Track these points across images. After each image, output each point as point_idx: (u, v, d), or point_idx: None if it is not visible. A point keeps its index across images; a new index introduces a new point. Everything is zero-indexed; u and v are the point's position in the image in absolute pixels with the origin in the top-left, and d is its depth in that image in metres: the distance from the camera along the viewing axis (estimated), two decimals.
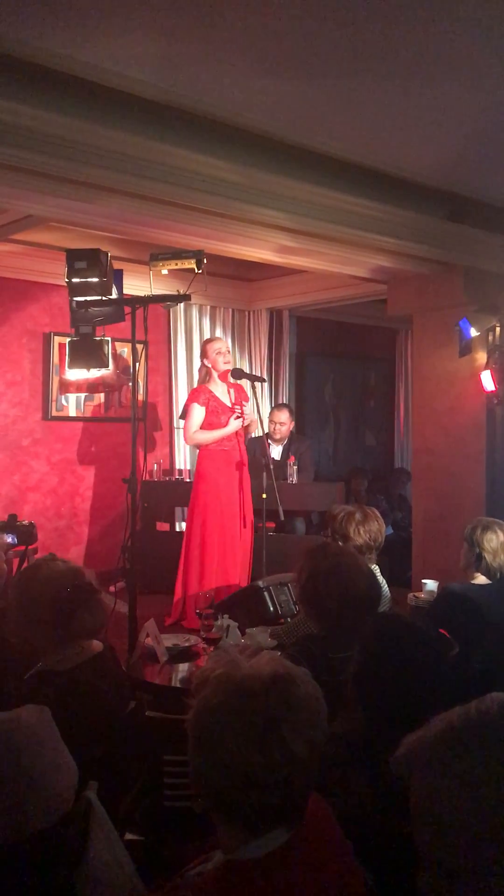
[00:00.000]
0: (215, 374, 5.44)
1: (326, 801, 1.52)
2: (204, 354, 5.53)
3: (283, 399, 7.85)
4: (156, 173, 3.81)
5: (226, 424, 5.34)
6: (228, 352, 5.57)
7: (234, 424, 5.36)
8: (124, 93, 3.58)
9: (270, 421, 6.74)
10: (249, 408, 5.43)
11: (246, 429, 5.51)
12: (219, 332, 7.57)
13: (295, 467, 6.34)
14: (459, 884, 1.07)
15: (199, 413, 5.36)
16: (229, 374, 5.40)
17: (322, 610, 2.63)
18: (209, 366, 5.45)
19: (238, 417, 5.35)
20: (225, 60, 3.40)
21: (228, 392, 5.49)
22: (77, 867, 1.65)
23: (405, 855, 1.47)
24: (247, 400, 5.55)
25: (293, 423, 6.90)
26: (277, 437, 6.73)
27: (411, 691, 1.80)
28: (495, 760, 1.09)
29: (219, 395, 5.42)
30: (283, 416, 6.76)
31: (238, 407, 5.38)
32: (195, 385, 5.84)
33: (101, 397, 7.00)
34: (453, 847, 1.08)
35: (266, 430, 6.59)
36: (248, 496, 5.47)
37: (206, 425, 5.36)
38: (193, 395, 5.47)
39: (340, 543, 3.45)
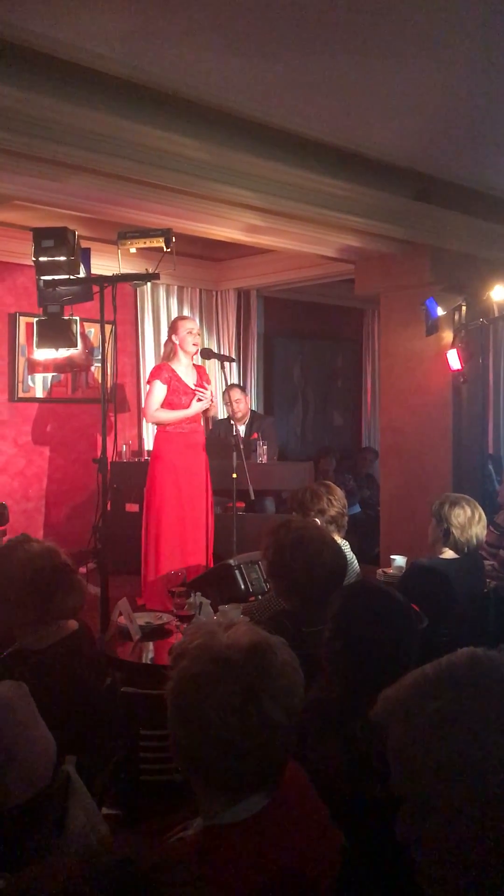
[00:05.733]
0: (181, 353, 5.30)
1: (302, 767, 1.56)
2: (174, 331, 5.36)
3: (252, 380, 7.85)
4: (123, 151, 3.77)
5: (186, 406, 5.22)
6: (199, 333, 5.47)
7: (196, 406, 5.23)
8: (91, 69, 3.54)
9: (226, 403, 6.69)
10: (212, 391, 5.37)
11: (205, 412, 5.41)
12: (186, 312, 7.52)
13: (265, 446, 6.33)
14: (433, 819, 1.13)
15: (160, 390, 5.22)
16: (197, 355, 5.34)
17: (291, 583, 2.68)
18: (177, 342, 5.30)
19: (200, 400, 5.24)
20: (192, 38, 3.37)
21: (192, 373, 5.39)
22: (56, 839, 1.68)
23: (377, 816, 1.52)
24: (209, 382, 5.47)
25: (247, 397, 6.87)
26: (239, 415, 6.69)
27: (384, 657, 1.84)
28: (463, 699, 1.15)
29: (181, 375, 5.28)
30: (237, 393, 6.66)
31: (201, 389, 5.27)
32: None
33: (67, 378, 6.94)
34: (427, 784, 1.13)
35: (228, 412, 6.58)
36: (209, 478, 5.43)
37: (166, 404, 5.22)
38: (156, 372, 5.33)
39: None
